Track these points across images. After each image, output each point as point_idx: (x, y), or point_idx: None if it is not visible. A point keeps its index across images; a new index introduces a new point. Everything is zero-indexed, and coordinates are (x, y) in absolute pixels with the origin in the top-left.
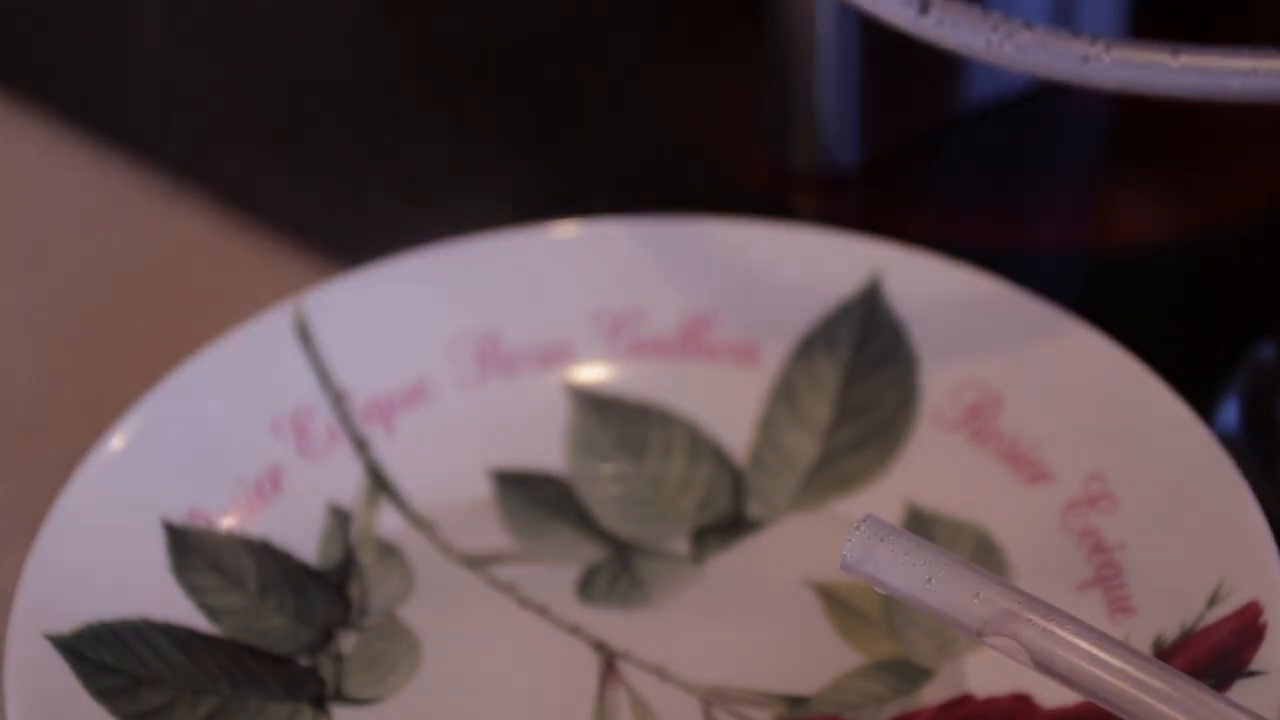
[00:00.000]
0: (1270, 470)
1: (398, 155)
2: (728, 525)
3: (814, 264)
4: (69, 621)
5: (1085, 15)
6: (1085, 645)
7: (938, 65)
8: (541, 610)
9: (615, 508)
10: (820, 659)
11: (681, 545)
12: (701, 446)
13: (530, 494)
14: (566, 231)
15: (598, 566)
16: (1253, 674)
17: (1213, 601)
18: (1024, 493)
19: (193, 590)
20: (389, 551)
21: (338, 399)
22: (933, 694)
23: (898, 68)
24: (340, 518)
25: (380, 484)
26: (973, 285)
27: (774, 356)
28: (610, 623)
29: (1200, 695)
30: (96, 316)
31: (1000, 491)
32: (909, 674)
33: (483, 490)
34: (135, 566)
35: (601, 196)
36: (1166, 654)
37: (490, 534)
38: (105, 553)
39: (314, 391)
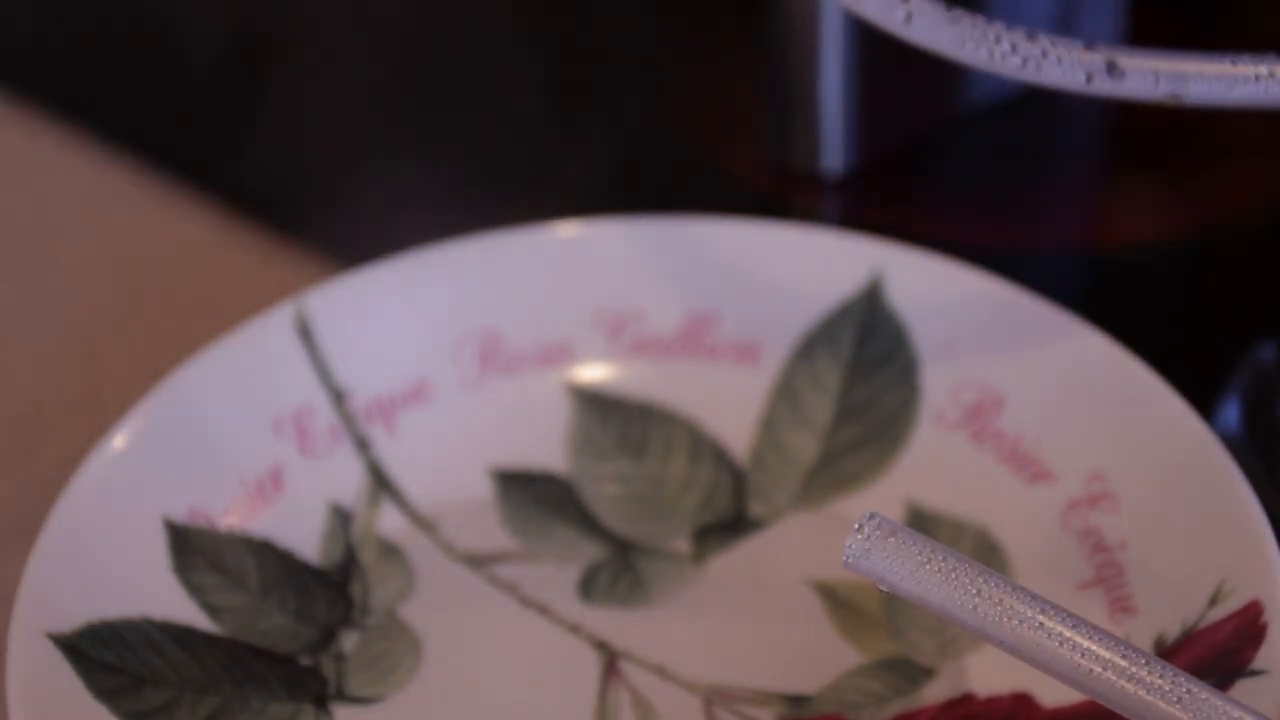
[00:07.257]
0: (1271, 470)
1: (398, 154)
2: (729, 525)
3: (814, 264)
4: (70, 620)
5: (1086, 17)
6: (1087, 643)
7: (938, 65)
8: (543, 609)
9: (616, 507)
10: (821, 658)
11: (683, 545)
12: (703, 446)
13: (531, 493)
14: (567, 231)
15: (599, 566)
16: (1254, 673)
17: (1214, 601)
18: (1025, 492)
19: (194, 589)
20: (390, 551)
21: (339, 398)
22: (934, 693)
23: (897, 67)
24: (342, 517)
25: (381, 483)
26: (973, 285)
27: (775, 356)
28: (611, 622)
29: (1202, 694)
30: (97, 316)
31: (1001, 491)
32: (910, 673)
33: (484, 490)
34: (137, 566)
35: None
36: (1168, 653)
37: (491, 533)
38: (107, 552)
39: (315, 391)
